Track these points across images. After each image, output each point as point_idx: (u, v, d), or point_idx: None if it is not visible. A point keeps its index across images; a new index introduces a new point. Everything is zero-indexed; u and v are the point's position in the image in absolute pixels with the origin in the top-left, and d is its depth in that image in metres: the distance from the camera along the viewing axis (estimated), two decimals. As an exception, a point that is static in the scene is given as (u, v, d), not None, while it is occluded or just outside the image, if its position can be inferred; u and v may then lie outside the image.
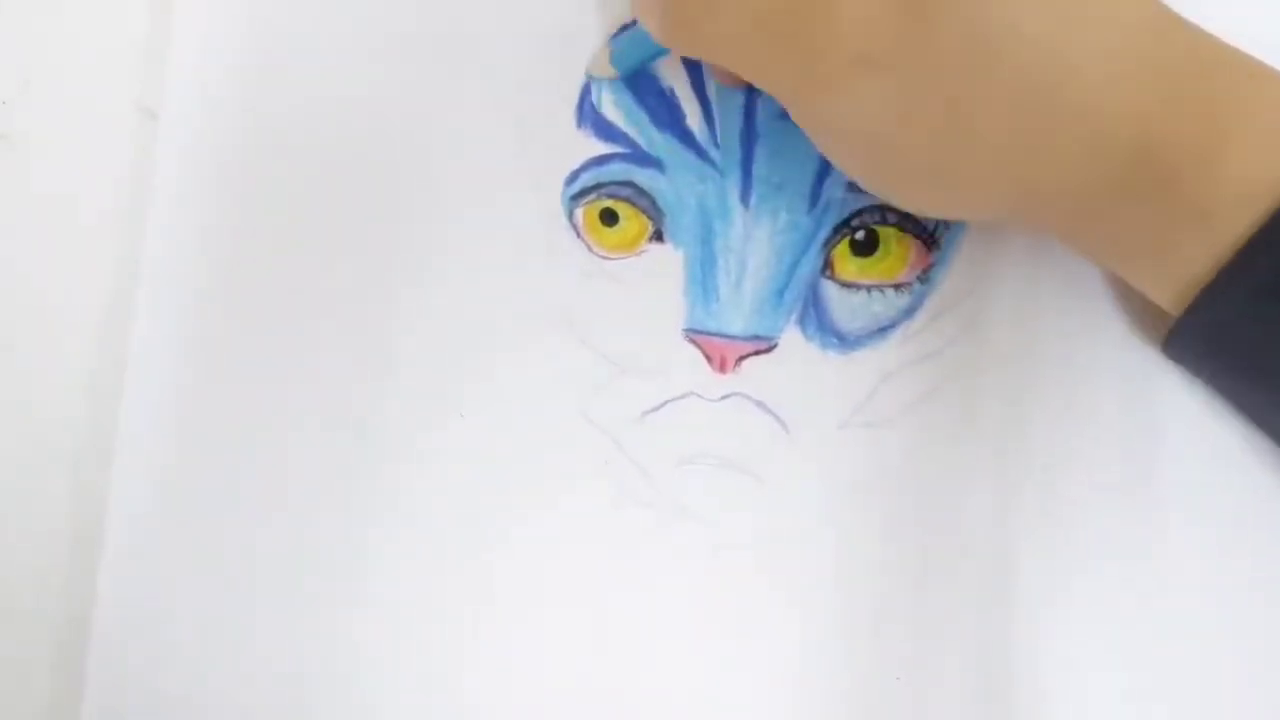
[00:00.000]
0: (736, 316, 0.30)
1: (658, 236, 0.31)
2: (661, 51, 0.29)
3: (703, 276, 0.30)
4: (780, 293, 0.30)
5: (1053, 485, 0.30)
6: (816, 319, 0.30)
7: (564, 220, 0.31)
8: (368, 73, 0.31)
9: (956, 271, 0.30)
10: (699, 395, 0.30)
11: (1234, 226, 0.23)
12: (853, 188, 0.30)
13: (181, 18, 0.31)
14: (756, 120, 0.30)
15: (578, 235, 0.31)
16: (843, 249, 0.30)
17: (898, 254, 0.30)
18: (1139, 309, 0.29)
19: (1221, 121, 0.24)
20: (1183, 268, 0.25)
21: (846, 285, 0.30)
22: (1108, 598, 0.29)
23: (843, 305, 0.30)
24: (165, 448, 0.31)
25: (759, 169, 0.30)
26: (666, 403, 0.31)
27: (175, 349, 0.31)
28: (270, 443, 0.31)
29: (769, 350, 0.30)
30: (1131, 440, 0.29)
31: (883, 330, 0.30)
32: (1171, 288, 0.25)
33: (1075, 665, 0.29)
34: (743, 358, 0.30)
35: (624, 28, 0.30)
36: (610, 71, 0.30)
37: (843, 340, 0.30)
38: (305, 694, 0.31)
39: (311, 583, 0.31)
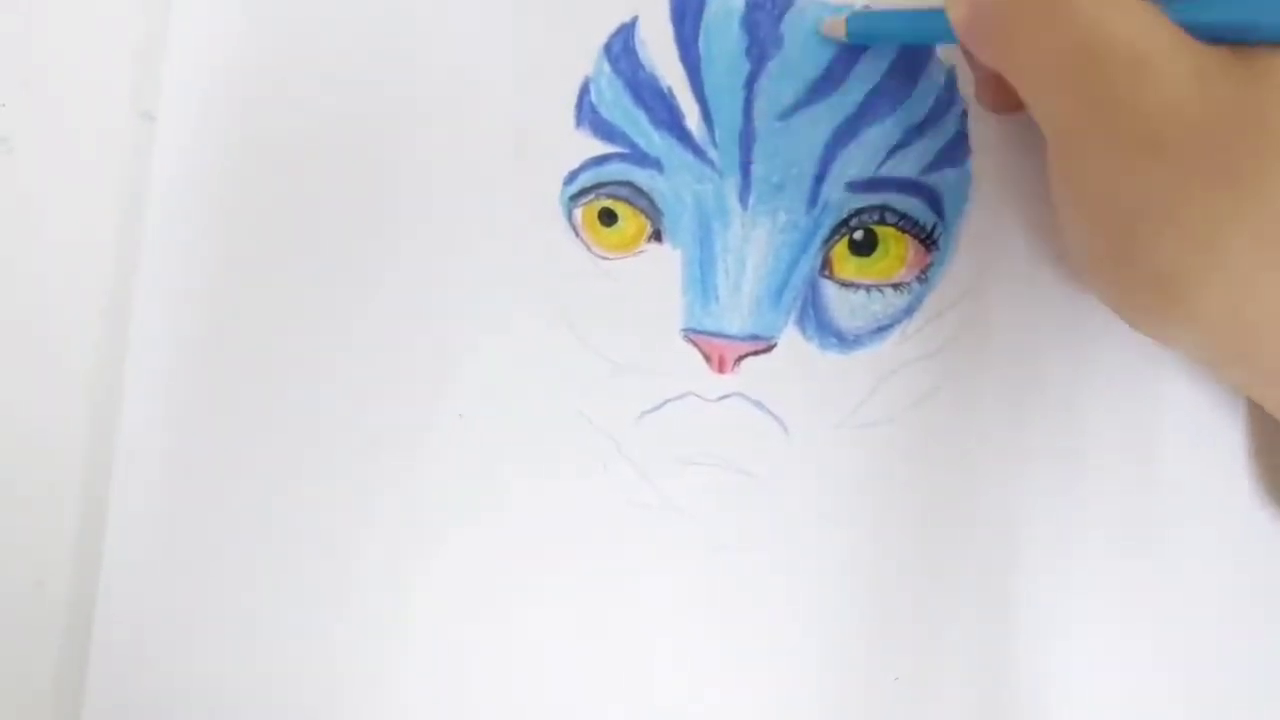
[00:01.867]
0: (735, 316, 0.30)
1: (656, 236, 0.31)
2: (918, 40, 0.29)
3: (701, 276, 0.30)
4: (779, 293, 0.30)
5: (1053, 485, 0.30)
6: (815, 319, 0.30)
7: (563, 220, 0.31)
8: (364, 74, 0.31)
9: (955, 271, 0.30)
10: (698, 395, 0.30)
11: None
12: (851, 187, 0.30)
13: (178, 21, 0.31)
14: (755, 121, 0.30)
15: (576, 235, 0.31)
16: (841, 249, 0.30)
17: (896, 254, 0.30)
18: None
19: None
20: None
21: (845, 285, 0.30)
22: (1109, 597, 0.29)
23: (842, 305, 0.30)
24: (165, 448, 0.31)
25: (758, 169, 0.30)
26: (665, 403, 0.31)
27: (174, 350, 0.31)
28: (269, 443, 0.31)
29: (768, 350, 0.30)
30: (1132, 440, 0.30)
31: (882, 330, 0.30)
32: None
33: (1077, 666, 0.29)
34: (741, 358, 0.30)
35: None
36: (841, 35, 0.29)
37: (842, 340, 0.30)
38: (305, 694, 0.31)
39: (310, 582, 0.31)
